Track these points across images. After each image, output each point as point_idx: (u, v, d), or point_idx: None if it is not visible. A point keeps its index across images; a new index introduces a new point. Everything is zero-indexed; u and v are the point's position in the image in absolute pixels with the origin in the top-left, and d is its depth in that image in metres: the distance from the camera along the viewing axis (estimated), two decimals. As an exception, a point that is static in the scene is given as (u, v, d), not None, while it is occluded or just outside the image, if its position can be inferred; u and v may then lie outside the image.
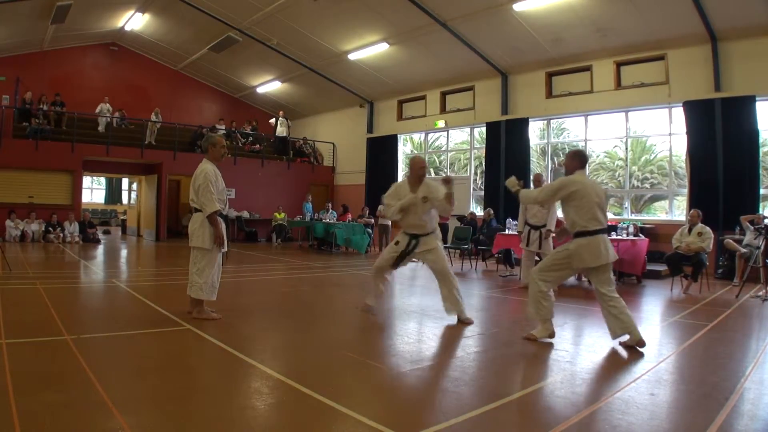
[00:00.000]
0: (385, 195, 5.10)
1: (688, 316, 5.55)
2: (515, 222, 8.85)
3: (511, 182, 4.48)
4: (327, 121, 18.68)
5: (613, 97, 10.99)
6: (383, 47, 12.96)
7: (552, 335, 4.19)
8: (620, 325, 3.98)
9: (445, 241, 11.83)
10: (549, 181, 12.56)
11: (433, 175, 15.77)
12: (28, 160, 12.96)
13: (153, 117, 15.52)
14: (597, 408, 2.78)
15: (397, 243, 5.04)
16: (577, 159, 4.24)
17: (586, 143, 12.30)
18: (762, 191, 9.24)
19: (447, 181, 4.76)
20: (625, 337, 4.02)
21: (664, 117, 10.57)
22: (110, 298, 6.11)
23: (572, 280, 8.65)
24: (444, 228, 12.17)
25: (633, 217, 11.15)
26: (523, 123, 12.40)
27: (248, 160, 16.35)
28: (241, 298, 6.15)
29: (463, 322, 4.82)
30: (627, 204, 11.78)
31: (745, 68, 9.17)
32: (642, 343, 3.92)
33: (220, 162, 4.79)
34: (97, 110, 15.00)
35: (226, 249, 4.77)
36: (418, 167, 5.00)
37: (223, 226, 4.67)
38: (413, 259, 5.15)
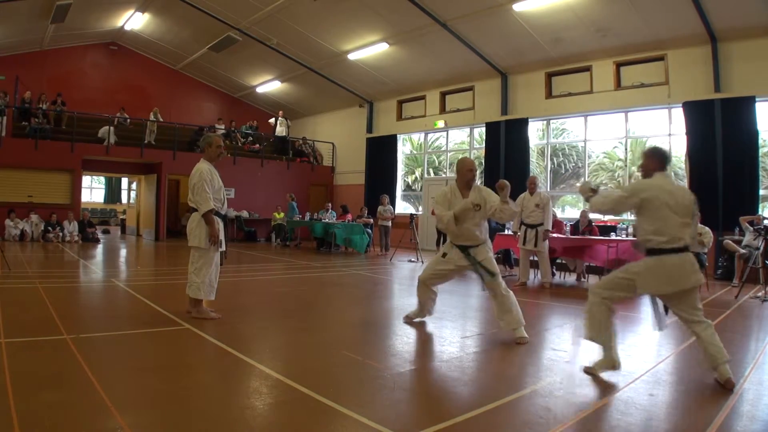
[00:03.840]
0: (435, 204, 4.62)
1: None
2: (511, 223, 8.86)
3: (585, 189, 3.65)
4: (326, 121, 18.68)
5: (612, 97, 10.99)
6: (383, 47, 12.96)
7: (615, 366, 3.34)
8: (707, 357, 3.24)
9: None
10: (548, 183, 12.58)
11: (432, 175, 15.80)
12: (28, 159, 12.96)
13: (152, 117, 15.50)
14: (596, 408, 2.78)
15: (444, 255, 4.57)
16: (656, 158, 3.45)
17: (585, 144, 12.31)
18: (761, 192, 9.24)
19: (502, 187, 4.25)
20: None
21: (663, 117, 10.57)
22: (109, 297, 6.11)
23: (572, 280, 8.67)
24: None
25: (632, 217, 11.14)
26: (522, 123, 12.40)
27: (248, 159, 16.35)
28: (240, 298, 6.15)
29: (518, 341, 4.20)
30: (626, 204, 11.77)
31: (744, 69, 9.17)
32: (730, 384, 3.11)
33: (217, 162, 4.80)
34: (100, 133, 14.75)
35: (223, 249, 4.75)
36: (466, 170, 4.50)
37: (220, 225, 4.67)
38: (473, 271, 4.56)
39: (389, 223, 12.46)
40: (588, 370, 3.40)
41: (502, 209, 4.26)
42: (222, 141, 4.93)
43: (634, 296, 3.58)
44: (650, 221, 3.26)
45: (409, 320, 4.86)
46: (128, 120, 15.60)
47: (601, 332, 3.37)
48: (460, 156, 15.38)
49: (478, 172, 4.75)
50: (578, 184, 3.89)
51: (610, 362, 3.33)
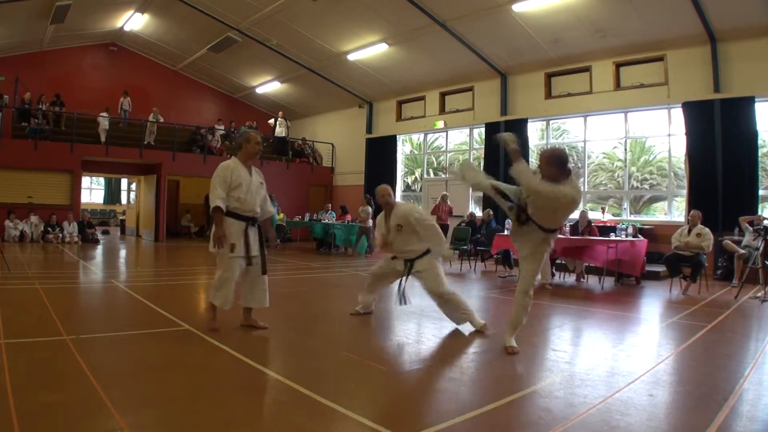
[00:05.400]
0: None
1: (686, 317, 5.55)
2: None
3: (510, 137, 3.89)
4: (326, 121, 18.68)
5: (612, 97, 11.00)
6: (382, 48, 12.96)
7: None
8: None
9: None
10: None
11: (432, 175, 15.80)
12: (27, 160, 12.95)
13: (151, 117, 15.50)
14: (596, 409, 2.78)
15: (394, 258, 4.89)
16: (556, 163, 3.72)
17: (585, 144, 12.32)
18: (761, 192, 9.24)
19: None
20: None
21: (663, 118, 10.58)
22: (109, 298, 6.10)
23: (572, 280, 8.67)
24: (443, 228, 12.21)
25: (632, 218, 11.16)
26: (522, 123, 12.40)
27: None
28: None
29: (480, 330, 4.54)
30: (626, 205, 11.79)
31: (744, 69, 9.18)
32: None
33: (253, 160, 4.38)
34: (100, 116, 14.85)
35: (234, 254, 4.15)
36: (379, 196, 4.85)
37: (236, 227, 4.17)
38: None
39: (368, 224, 12.26)
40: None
41: (421, 226, 4.62)
42: (260, 137, 4.48)
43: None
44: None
45: (355, 313, 5.15)
46: (130, 108, 15.60)
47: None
48: (460, 156, 15.40)
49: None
50: (504, 135, 3.99)
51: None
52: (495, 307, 6.29)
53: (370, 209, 12.05)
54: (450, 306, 4.61)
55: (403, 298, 4.73)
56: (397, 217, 4.67)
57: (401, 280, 4.78)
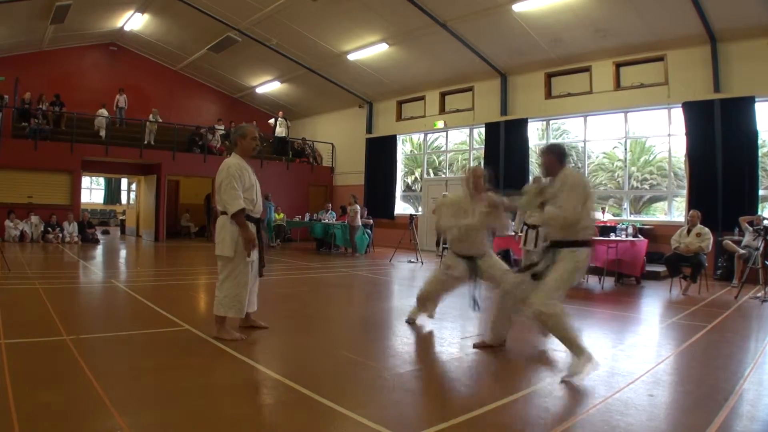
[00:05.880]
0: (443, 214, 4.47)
1: (687, 317, 5.55)
2: (514, 223, 8.85)
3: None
4: (326, 121, 18.68)
5: (612, 97, 10.99)
6: (382, 48, 12.96)
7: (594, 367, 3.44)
8: None
9: (444, 241, 11.87)
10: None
11: (432, 175, 15.80)
12: (27, 160, 12.95)
13: (151, 118, 15.50)
14: (596, 409, 2.78)
15: (449, 267, 4.45)
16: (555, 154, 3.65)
17: (585, 144, 12.32)
18: (761, 192, 9.24)
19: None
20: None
21: (663, 118, 10.58)
22: (109, 298, 6.11)
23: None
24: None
25: (632, 218, 11.16)
26: (522, 123, 12.40)
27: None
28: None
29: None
30: (626, 205, 11.79)
31: (744, 69, 9.17)
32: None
33: (250, 156, 4.25)
34: (98, 114, 14.94)
35: (251, 258, 4.04)
36: (477, 176, 4.37)
37: (253, 230, 4.05)
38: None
39: (360, 224, 12.17)
40: (565, 379, 3.26)
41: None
42: (257, 132, 4.35)
43: None
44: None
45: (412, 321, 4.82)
46: (126, 105, 15.62)
47: (577, 341, 3.37)
48: (460, 157, 15.42)
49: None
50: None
51: (589, 361, 3.30)
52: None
53: (357, 207, 12.00)
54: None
55: (476, 304, 4.38)
56: (486, 200, 4.23)
57: (473, 284, 4.42)
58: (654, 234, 9.91)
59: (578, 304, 6.42)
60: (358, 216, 12.02)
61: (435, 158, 16.52)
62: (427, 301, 4.75)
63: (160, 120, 15.79)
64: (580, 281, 8.45)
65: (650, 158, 13.96)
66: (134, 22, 14.91)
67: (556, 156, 3.56)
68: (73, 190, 13.99)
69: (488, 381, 3.39)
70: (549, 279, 3.43)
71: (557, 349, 4.11)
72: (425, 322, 4.88)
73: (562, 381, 3.21)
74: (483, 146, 13.38)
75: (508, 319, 3.96)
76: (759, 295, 6.89)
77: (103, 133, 14.56)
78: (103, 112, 14.93)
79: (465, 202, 4.37)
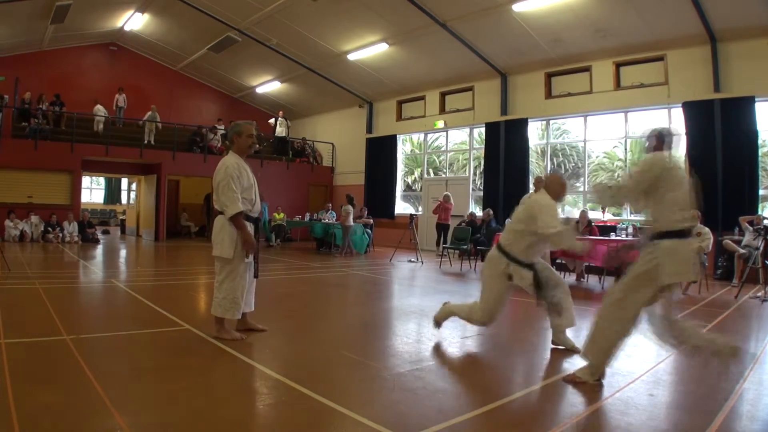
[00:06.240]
0: (548, 216, 3.72)
1: (687, 316, 5.55)
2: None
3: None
4: (326, 121, 18.68)
5: (612, 97, 10.99)
6: (382, 47, 12.96)
7: (601, 376, 3.21)
8: None
9: (444, 241, 11.88)
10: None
11: (432, 175, 15.80)
12: (27, 160, 12.95)
13: (149, 114, 15.47)
14: (596, 408, 2.78)
15: (510, 278, 3.87)
16: (657, 139, 3.22)
17: (585, 144, 12.31)
18: (761, 192, 9.24)
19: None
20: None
21: (663, 118, 10.56)
22: (109, 298, 6.11)
23: (572, 280, 8.67)
24: (444, 227, 12.23)
25: (632, 217, 11.15)
26: (522, 123, 12.40)
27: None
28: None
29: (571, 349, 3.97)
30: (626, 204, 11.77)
31: (744, 69, 9.17)
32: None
33: (247, 154, 4.15)
34: (95, 110, 15.00)
35: (249, 259, 4.02)
36: (560, 185, 3.98)
37: (250, 230, 4.00)
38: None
39: (348, 223, 12.10)
40: (569, 379, 3.20)
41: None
42: (254, 130, 4.22)
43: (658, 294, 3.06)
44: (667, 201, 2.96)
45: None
46: (125, 105, 15.64)
47: (603, 346, 3.10)
48: (461, 157, 15.41)
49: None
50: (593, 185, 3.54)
51: (594, 374, 3.14)
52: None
53: (351, 208, 11.96)
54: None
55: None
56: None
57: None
58: (654, 234, 9.90)
59: (578, 304, 6.40)
60: (351, 216, 11.97)
61: (435, 158, 16.52)
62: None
63: (158, 118, 15.75)
64: (580, 281, 8.45)
65: (650, 158, 13.94)
66: (134, 22, 14.91)
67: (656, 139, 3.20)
68: (73, 190, 13.99)
69: (488, 381, 3.39)
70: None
71: (557, 349, 4.11)
72: (425, 322, 4.88)
73: (563, 380, 3.21)
74: (483, 146, 13.37)
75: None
76: (759, 294, 6.89)
77: (100, 127, 14.59)
78: (100, 108, 14.92)
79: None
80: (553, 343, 4.07)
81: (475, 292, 4.12)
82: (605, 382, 3.21)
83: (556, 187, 3.92)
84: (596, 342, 3.14)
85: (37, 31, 13.99)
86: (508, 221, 9.59)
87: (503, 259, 3.82)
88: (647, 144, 3.27)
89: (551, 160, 13.18)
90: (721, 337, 3.05)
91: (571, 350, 3.91)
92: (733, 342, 2.97)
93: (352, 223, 12.13)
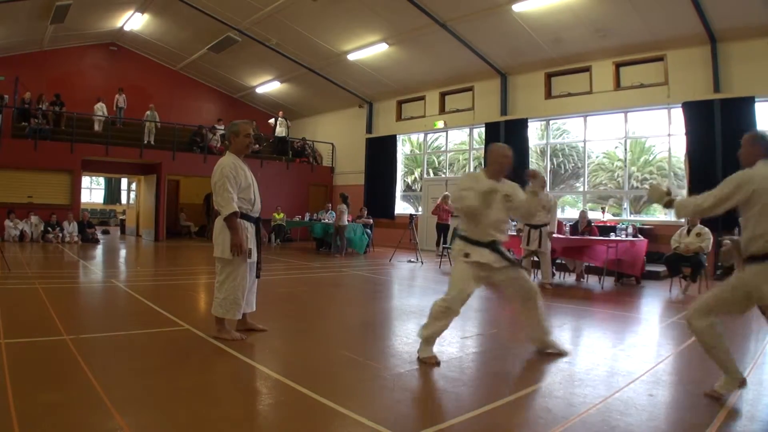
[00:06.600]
0: (456, 190, 3.78)
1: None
2: (514, 222, 8.86)
3: (657, 193, 3.14)
4: (326, 121, 18.68)
5: (612, 97, 11.00)
6: (382, 47, 12.96)
7: (742, 383, 2.97)
8: None
9: (444, 241, 11.88)
10: (548, 184, 12.55)
11: (432, 175, 15.80)
12: (27, 159, 12.95)
13: (148, 114, 15.48)
14: (596, 409, 2.78)
15: (467, 255, 3.69)
16: (760, 145, 2.89)
17: (585, 144, 12.31)
18: (761, 192, 9.23)
19: (534, 176, 3.78)
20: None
21: (663, 118, 10.58)
22: (109, 298, 6.11)
23: (572, 280, 8.67)
24: (444, 228, 12.23)
25: (632, 217, 11.16)
26: (522, 124, 12.40)
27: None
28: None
29: (558, 353, 3.85)
30: (626, 205, 11.78)
31: (744, 69, 9.17)
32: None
33: (245, 154, 4.14)
34: (95, 108, 15.01)
35: (252, 259, 4.03)
36: (503, 156, 3.84)
37: (249, 231, 4.01)
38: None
39: (341, 222, 12.07)
40: (711, 394, 2.96)
41: (529, 202, 3.78)
42: (251, 129, 4.20)
43: (744, 312, 2.96)
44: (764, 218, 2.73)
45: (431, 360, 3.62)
46: (125, 105, 15.65)
47: (722, 356, 2.94)
48: (461, 157, 15.40)
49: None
50: (648, 187, 3.27)
51: (735, 381, 2.94)
52: (494, 307, 6.28)
53: (344, 207, 11.92)
54: (540, 311, 3.87)
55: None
56: (509, 187, 3.85)
57: (510, 266, 3.79)
58: (654, 234, 9.92)
59: (578, 304, 6.42)
60: (344, 215, 11.92)
61: (435, 158, 16.52)
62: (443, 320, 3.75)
63: (158, 117, 15.75)
64: (580, 281, 8.45)
65: (650, 158, 13.94)
66: (134, 21, 14.91)
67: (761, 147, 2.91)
68: (73, 190, 14.00)
69: (488, 381, 3.39)
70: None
71: (552, 352, 4.11)
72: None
73: (706, 395, 2.98)
74: (483, 146, 13.37)
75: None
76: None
77: (99, 126, 14.61)
78: (100, 107, 14.94)
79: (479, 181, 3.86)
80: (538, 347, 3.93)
81: (475, 291, 4.10)
82: (605, 382, 3.21)
83: (495, 158, 3.86)
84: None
85: (37, 31, 13.99)
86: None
87: (459, 241, 3.82)
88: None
89: (551, 160, 13.18)
90: None
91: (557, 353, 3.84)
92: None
93: (346, 222, 12.10)
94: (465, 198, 3.66)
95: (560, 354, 3.83)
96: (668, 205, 3.07)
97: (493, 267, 3.69)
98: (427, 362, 3.57)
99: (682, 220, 8.41)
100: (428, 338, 3.69)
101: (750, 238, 2.77)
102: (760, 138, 2.93)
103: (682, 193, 10.19)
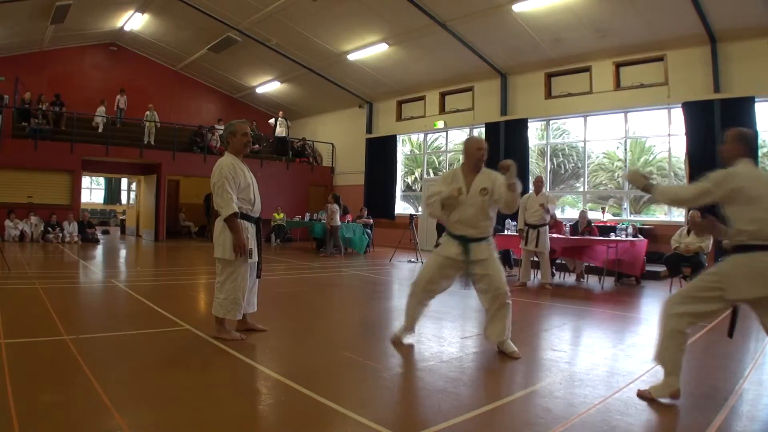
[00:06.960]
0: (428, 190, 3.91)
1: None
2: (514, 222, 8.86)
3: (636, 176, 3.16)
4: (326, 121, 18.68)
5: (612, 97, 10.99)
6: (382, 48, 12.96)
7: (676, 394, 2.89)
8: None
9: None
10: (548, 184, 12.55)
11: (432, 175, 15.80)
12: (27, 160, 12.95)
13: (147, 114, 15.48)
14: (595, 409, 2.78)
15: (437, 246, 3.93)
16: (742, 143, 2.94)
17: (585, 144, 12.31)
18: (761, 192, 9.23)
19: (506, 167, 3.84)
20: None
21: (663, 118, 10.58)
22: (109, 298, 6.11)
23: (572, 280, 8.67)
24: (444, 228, 12.21)
25: (632, 218, 11.16)
26: (522, 124, 12.40)
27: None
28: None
29: (509, 354, 3.81)
30: (626, 205, 11.79)
31: (744, 69, 9.17)
32: None
33: (244, 153, 4.13)
34: (97, 113, 15.02)
35: (253, 259, 4.04)
36: (474, 149, 4.02)
37: (249, 231, 4.00)
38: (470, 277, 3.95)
39: (334, 223, 12.03)
40: (642, 394, 2.96)
41: (506, 195, 3.82)
42: (249, 129, 4.22)
43: (722, 307, 2.92)
44: (746, 213, 2.77)
45: (396, 340, 4.10)
46: (126, 106, 15.67)
47: (670, 355, 2.92)
48: (461, 157, 15.40)
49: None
50: (626, 173, 3.35)
51: (670, 388, 2.89)
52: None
53: (336, 207, 11.88)
54: (502, 314, 3.84)
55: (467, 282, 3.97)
56: (487, 180, 3.94)
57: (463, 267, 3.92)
58: (654, 234, 9.92)
59: (578, 304, 6.42)
60: (337, 215, 11.87)
61: (435, 158, 16.52)
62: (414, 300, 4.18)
63: (157, 117, 15.74)
64: (580, 281, 8.44)
65: (650, 158, 13.95)
66: (134, 22, 14.92)
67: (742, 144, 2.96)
68: (73, 190, 14.00)
69: (488, 381, 3.39)
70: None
71: (557, 349, 4.11)
72: (425, 322, 4.88)
73: (638, 394, 2.98)
74: (483, 146, 13.34)
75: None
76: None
77: (100, 127, 14.64)
78: (102, 110, 14.96)
79: (455, 178, 4.10)
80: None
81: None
82: (605, 382, 3.21)
83: (469, 152, 4.09)
84: None
85: (37, 31, 13.99)
86: (507, 221, 9.58)
87: (444, 233, 4.09)
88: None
89: (551, 160, 13.18)
90: None
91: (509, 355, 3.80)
92: None
93: (338, 222, 12.05)
94: (429, 205, 3.97)
95: (512, 357, 3.77)
96: (647, 189, 3.12)
97: (458, 260, 3.89)
98: (395, 341, 4.06)
99: (682, 220, 8.43)
100: (405, 319, 4.14)
101: (736, 231, 2.83)
102: (744, 136, 2.98)
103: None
